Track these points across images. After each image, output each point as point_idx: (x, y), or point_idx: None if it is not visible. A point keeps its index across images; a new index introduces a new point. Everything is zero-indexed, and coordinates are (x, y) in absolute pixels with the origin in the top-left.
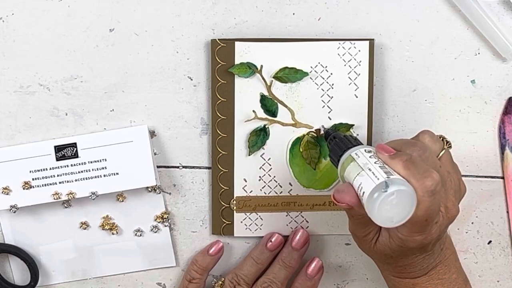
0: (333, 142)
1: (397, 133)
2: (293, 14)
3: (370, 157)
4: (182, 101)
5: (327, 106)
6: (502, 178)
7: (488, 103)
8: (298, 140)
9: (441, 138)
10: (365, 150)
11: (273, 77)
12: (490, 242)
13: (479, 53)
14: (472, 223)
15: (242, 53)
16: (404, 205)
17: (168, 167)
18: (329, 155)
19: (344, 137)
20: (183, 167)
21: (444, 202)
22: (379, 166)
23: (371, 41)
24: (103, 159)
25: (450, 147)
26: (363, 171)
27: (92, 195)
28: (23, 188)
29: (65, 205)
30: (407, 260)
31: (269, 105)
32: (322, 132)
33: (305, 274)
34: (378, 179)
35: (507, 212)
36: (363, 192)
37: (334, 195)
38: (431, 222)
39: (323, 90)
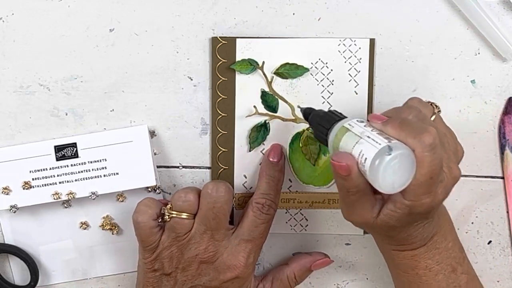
0: (318, 118)
1: None
2: (293, 14)
3: (364, 126)
4: (182, 101)
5: (327, 102)
6: (502, 178)
7: (488, 103)
8: (298, 135)
9: (430, 103)
10: (357, 120)
11: (274, 73)
12: (490, 242)
13: (479, 53)
14: (472, 223)
15: (244, 50)
16: (405, 169)
17: (168, 167)
18: (315, 134)
19: (329, 112)
20: (183, 167)
21: (446, 161)
22: (377, 133)
23: (372, 39)
24: (103, 159)
25: (440, 111)
26: (362, 139)
27: (92, 195)
28: (23, 188)
29: (65, 205)
30: (410, 230)
31: (269, 100)
32: (299, 111)
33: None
34: (379, 144)
35: (507, 212)
36: (365, 158)
37: (333, 157)
38: (436, 180)
39: (323, 86)
